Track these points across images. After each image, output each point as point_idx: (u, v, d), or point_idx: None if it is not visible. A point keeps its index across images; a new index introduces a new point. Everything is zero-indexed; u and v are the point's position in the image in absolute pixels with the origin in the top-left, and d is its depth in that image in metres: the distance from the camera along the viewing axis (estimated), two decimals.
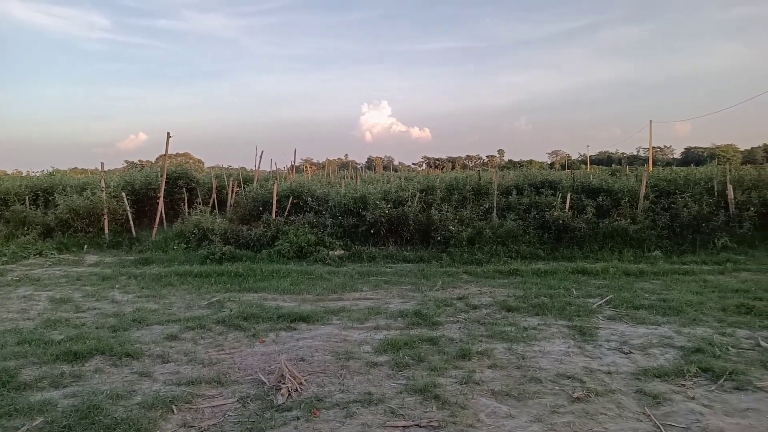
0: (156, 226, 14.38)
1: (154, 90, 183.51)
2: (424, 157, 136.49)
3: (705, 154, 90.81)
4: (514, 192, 14.79)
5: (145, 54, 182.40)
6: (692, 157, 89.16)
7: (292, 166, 24.04)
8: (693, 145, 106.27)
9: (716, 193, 13.25)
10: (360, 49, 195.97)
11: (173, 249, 12.73)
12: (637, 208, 12.79)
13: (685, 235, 12.13)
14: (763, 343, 5.69)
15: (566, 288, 8.64)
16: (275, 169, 24.93)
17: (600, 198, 13.44)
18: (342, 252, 11.91)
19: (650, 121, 48.35)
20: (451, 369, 5.16)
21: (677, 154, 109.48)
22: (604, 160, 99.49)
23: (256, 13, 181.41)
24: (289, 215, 13.61)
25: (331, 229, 12.67)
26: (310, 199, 13.63)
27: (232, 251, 11.86)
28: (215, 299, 8.25)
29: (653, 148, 60.40)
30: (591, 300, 7.86)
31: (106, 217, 14.24)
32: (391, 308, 7.58)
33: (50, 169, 20.44)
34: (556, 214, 12.46)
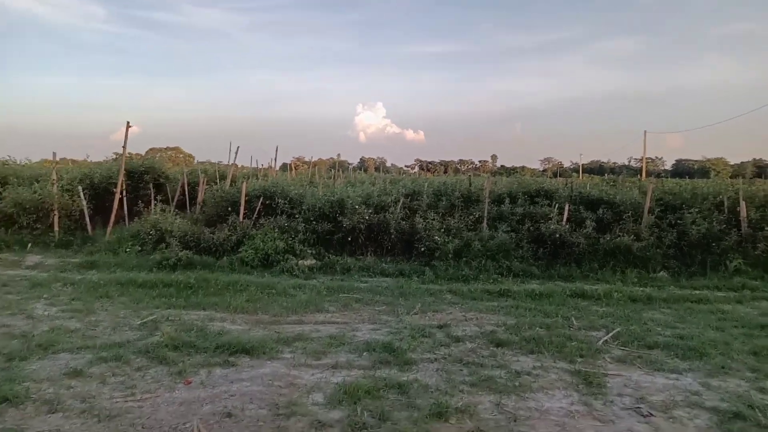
0: (111, 225, 13.03)
1: (149, 83, 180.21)
2: (417, 159, 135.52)
3: (695, 167, 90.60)
4: (507, 200, 13.57)
5: (141, 47, 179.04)
6: (683, 170, 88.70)
7: (273, 163, 22.74)
8: (684, 158, 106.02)
9: (726, 210, 12.14)
10: (356, 50, 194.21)
11: (125, 252, 11.39)
12: (640, 224, 11.63)
13: (693, 255, 10.99)
14: None
15: (565, 316, 7.44)
16: (257, 166, 23.57)
17: (600, 211, 12.27)
18: (313, 262, 10.64)
19: (645, 132, 47.65)
20: None
21: (668, 166, 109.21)
22: (596, 169, 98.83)
23: (256, 9, 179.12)
24: (259, 218, 12.32)
25: (303, 236, 11.40)
26: (281, 200, 12.31)
27: (190, 257, 10.54)
28: (152, 318, 6.96)
29: (647, 158, 59.78)
30: (594, 334, 6.67)
31: (56, 213, 12.86)
32: (358, 337, 6.34)
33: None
34: (552, 227, 11.26)
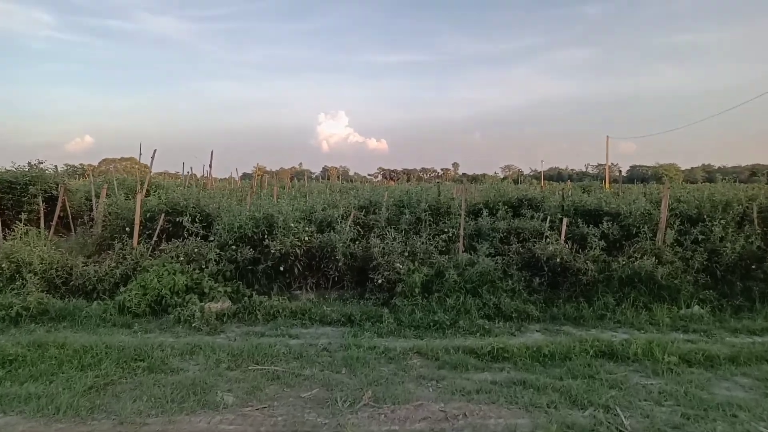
0: None
1: (102, 92, 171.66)
2: (380, 168, 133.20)
3: (649, 173, 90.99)
4: (485, 212, 10.79)
5: (93, 55, 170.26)
6: (637, 175, 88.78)
7: (208, 171, 19.49)
8: (637, 164, 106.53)
9: (756, 222, 9.69)
10: (317, 58, 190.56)
11: None
12: (656, 241, 9.05)
13: (731, 282, 8.48)
14: None
15: (604, 405, 4.63)
16: (190, 173, 20.25)
17: (604, 224, 9.63)
18: (226, 305, 7.58)
19: (607, 137, 46.05)
20: None
21: (623, 172, 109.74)
22: (555, 176, 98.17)
23: (211, 17, 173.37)
24: (160, 242, 9.17)
25: (215, 267, 8.30)
26: (188, 220, 9.02)
27: (45, 302, 7.35)
28: None
29: (602, 164, 58.75)
30: None
31: None
32: None
33: None
34: (551, 248, 8.54)
